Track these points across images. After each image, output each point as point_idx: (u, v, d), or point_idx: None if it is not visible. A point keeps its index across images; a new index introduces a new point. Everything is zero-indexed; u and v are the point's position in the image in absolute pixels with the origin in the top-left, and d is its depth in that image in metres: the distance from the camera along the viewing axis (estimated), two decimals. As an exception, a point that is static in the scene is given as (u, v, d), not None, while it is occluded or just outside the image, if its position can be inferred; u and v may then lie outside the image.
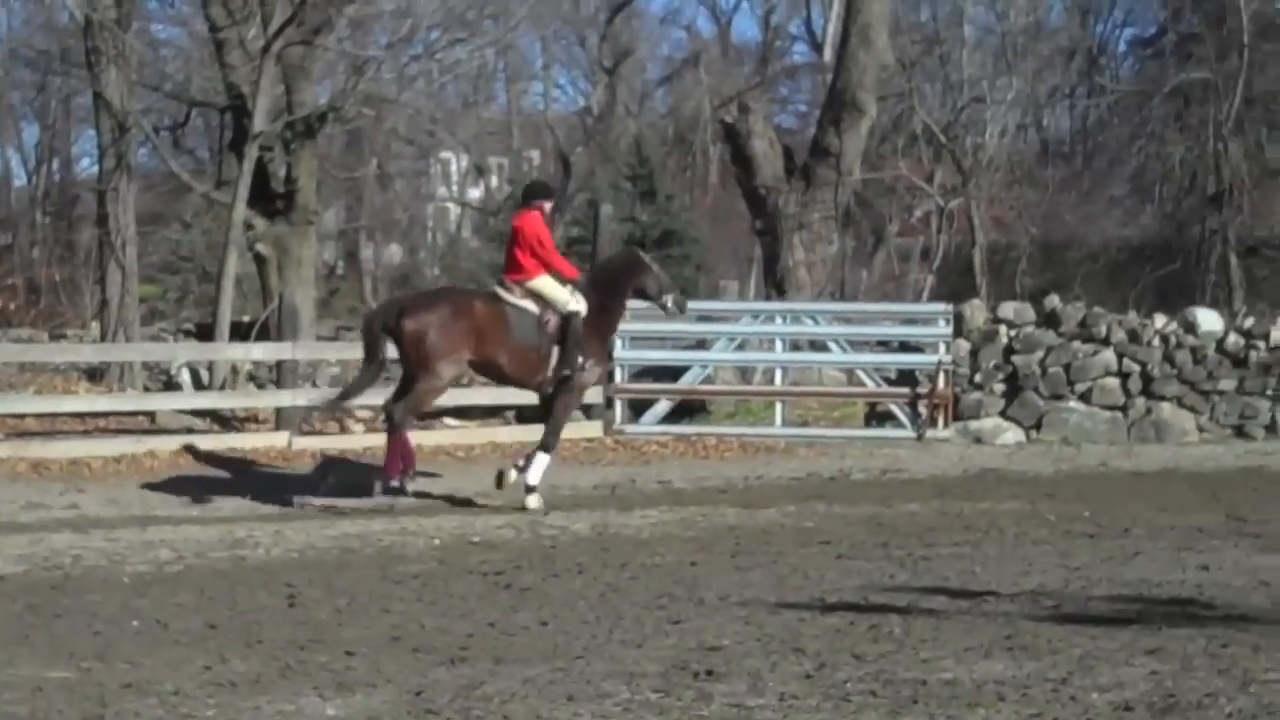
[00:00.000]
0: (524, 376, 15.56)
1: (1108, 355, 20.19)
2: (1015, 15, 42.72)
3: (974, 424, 20.25)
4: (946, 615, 9.76)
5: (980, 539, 13.15)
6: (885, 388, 20.90)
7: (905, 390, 20.59)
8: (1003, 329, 20.49)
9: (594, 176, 44.37)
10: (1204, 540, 12.91)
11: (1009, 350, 20.42)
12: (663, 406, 21.04)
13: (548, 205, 16.02)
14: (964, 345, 20.46)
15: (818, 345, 21.06)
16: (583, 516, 14.63)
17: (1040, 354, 20.31)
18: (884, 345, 21.68)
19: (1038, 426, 20.18)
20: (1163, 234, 41.76)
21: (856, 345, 21.13)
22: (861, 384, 21.23)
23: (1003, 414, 20.31)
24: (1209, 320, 20.46)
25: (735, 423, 21.34)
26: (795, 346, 21.12)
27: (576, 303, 15.39)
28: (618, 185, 43.53)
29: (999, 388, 20.35)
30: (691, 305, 18.83)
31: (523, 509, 14.96)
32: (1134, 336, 20.21)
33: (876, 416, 21.12)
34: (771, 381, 21.36)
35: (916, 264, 43.56)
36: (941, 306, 21.35)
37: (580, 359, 15.36)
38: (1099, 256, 41.07)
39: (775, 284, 26.59)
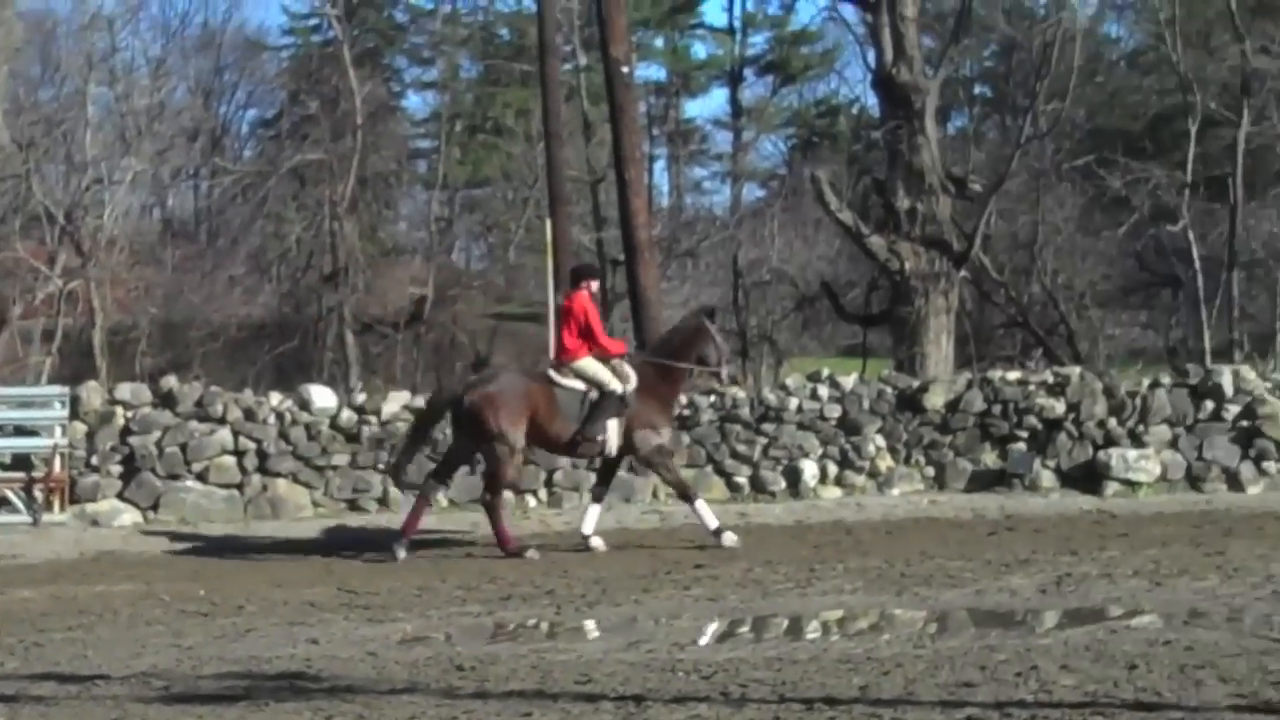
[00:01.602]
0: (569, 447, 17.01)
1: (224, 434, 20.30)
2: (138, 95, 42.50)
3: (91, 507, 19.91)
4: (55, 701, 9.62)
5: (94, 622, 13.00)
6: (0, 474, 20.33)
7: (21, 475, 20.09)
8: (120, 410, 20.28)
9: None
10: (315, 614, 13.21)
11: (126, 431, 20.22)
12: None
13: (594, 285, 17.46)
14: (80, 428, 20.14)
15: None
16: None
17: (157, 434, 20.20)
18: (-1, 430, 21.06)
19: (155, 507, 20.02)
20: (282, 312, 42.38)
21: (-30, 431, 20.47)
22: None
23: (120, 496, 20.05)
24: (323, 397, 20.89)
25: None
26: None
27: (617, 380, 16.54)
28: None
29: (116, 469, 20.10)
30: None
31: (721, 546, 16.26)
32: (250, 414, 20.42)
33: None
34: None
35: (39, 346, 42.50)
36: (57, 389, 20.97)
37: (602, 431, 16.54)
38: (220, 335, 41.20)
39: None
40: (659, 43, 55.13)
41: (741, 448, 20.55)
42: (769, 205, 45.60)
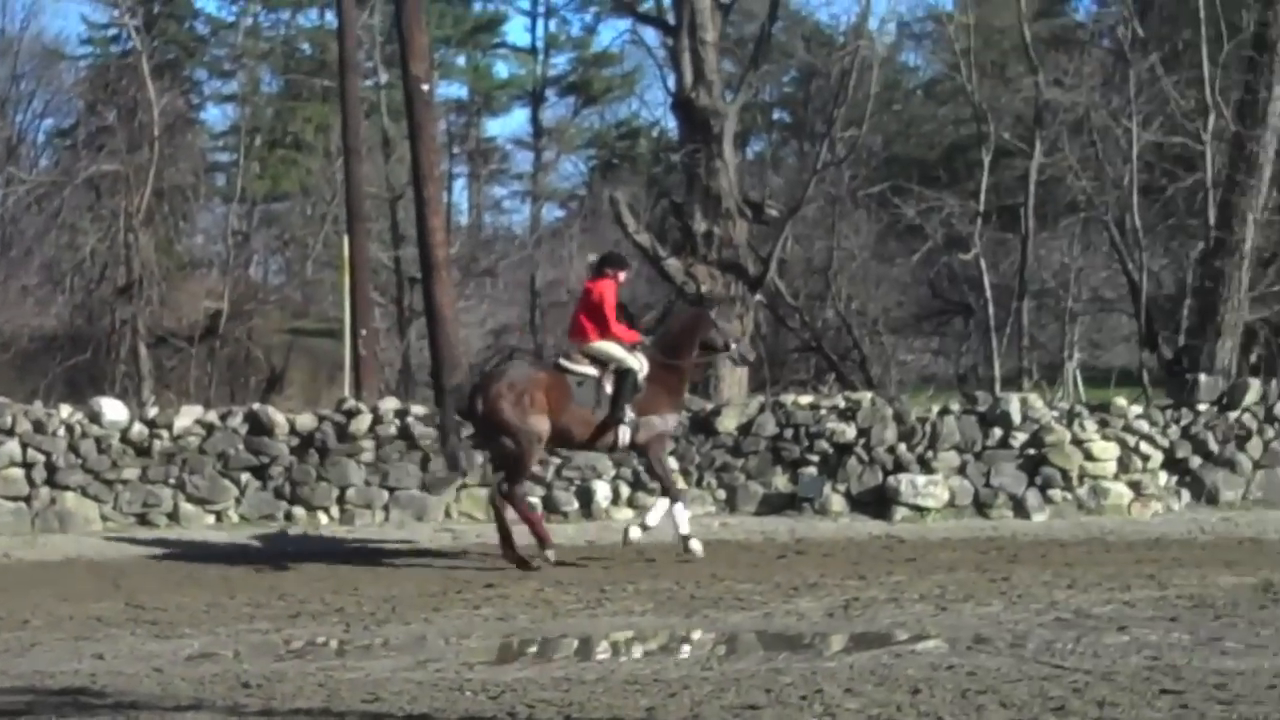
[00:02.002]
0: (591, 441, 16.92)
1: (12, 445, 19.95)
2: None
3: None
4: None
5: None
6: None
7: None
8: (-96, 420, 19.89)
9: None
10: (102, 629, 13.05)
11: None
12: None
13: (622, 275, 17.35)
14: None
15: None
16: None
17: (-45, 449, 19.85)
18: None
19: (-60, 523, 19.65)
20: (75, 323, 41.70)
21: None
22: None
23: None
24: (114, 410, 20.61)
25: None
26: None
27: (633, 360, 16.52)
28: None
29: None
30: None
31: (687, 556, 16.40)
32: (39, 426, 20.09)
33: None
34: None
35: None
36: None
37: (629, 411, 16.46)
38: (11, 346, 40.45)
39: None
40: (461, 61, 55.09)
41: (535, 468, 20.54)
42: (568, 226, 45.79)
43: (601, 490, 20.47)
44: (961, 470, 20.33)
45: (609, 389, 16.73)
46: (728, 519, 20.11)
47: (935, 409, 21.08)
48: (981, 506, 20.26)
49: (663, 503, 17.09)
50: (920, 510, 20.02)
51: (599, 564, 16.68)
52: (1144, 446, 20.67)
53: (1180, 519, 19.72)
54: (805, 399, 21.69)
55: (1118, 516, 19.80)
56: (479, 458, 18.12)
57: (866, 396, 21.63)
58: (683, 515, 16.92)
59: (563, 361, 17.09)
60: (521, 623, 13.22)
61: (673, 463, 18.63)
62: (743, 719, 9.08)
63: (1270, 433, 20.97)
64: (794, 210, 30.12)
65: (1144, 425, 20.88)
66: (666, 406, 17.13)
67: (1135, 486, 20.31)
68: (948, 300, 38.25)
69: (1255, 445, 20.96)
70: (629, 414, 16.70)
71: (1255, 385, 21.34)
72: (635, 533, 17.07)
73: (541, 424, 16.62)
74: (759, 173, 41.06)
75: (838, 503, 20.32)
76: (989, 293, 30.77)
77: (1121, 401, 21.69)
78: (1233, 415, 20.81)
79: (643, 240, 28.89)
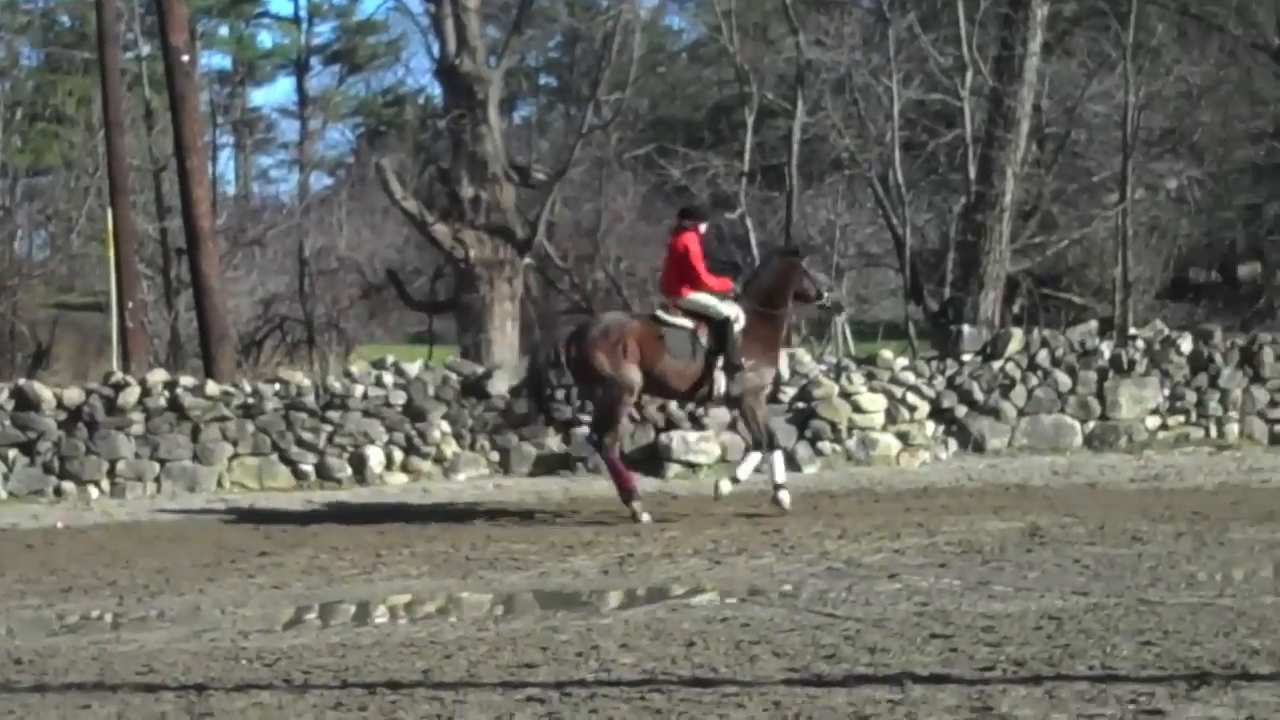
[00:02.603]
0: (686, 391, 16.84)
1: None
2: None
3: None
4: None
5: None
6: None
7: None
8: None
9: None
10: None
11: None
12: None
13: (703, 226, 17.03)
14: None
15: None
16: None
17: None
18: None
19: None
20: None
21: None
22: None
23: None
24: None
25: None
26: None
27: (729, 309, 16.35)
28: None
29: None
30: None
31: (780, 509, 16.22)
32: None
33: None
34: None
35: None
36: None
37: (743, 360, 16.25)
38: None
39: None
40: (224, 31, 54.34)
41: (307, 435, 20.42)
42: (336, 194, 45.40)
43: (375, 456, 20.40)
44: (732, 426, 20.51)
45: (704, 341, 16.59)
46: (502, 480, 20.15)
47: (704, 367, 21.22)
48: (752, 461, 20.47)
49: (755, 455, 16.87)
50: (693, 466, 20.21)
51: (373, 528, 16.58)
52: (911, 397, 21.05)
53: (947, 467, 20.13)
54: (576, 360, 21.74)
55: (886, 467, 20.15)
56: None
57: (637, 355, 21.72)
58: (779, 464, 16.66)
59: (659, 313, 16.96)
60: (297, 590, 13.12)
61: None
62: (519, 677, 9.09)
63: (1033, 380, 21.48)
64: (560, 173, 30.17)
65: (910, 377, 21.27)
66: (762, 358, 16.88)
67: (903, 437, 20.69)
68: (715, 259, 38.52)
69: (1019, 393, 21.46)
70: (737, 362, 16.51)
71: (1018, 335, 21.86)
72: (726, 486, 16.90)
73: (633, 374, 16.52)
74: (526, 137, 41.09)
75: (611, 462, 20.44)
76: (755, 251, 31.05)
77: (888, 354, 22.07)
78: (996, 365, 21.26)
79: (410, 207, 28.78)
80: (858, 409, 20.78)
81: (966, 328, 22.57)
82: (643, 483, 19.06)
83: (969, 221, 28.05)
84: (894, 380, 21.17)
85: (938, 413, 21.18)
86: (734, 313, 16.59)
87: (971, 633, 9.95)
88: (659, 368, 16.62)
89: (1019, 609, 10.78)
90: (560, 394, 20.10)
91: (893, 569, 12.88)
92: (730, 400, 17.16)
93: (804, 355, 21.63)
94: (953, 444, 21.09)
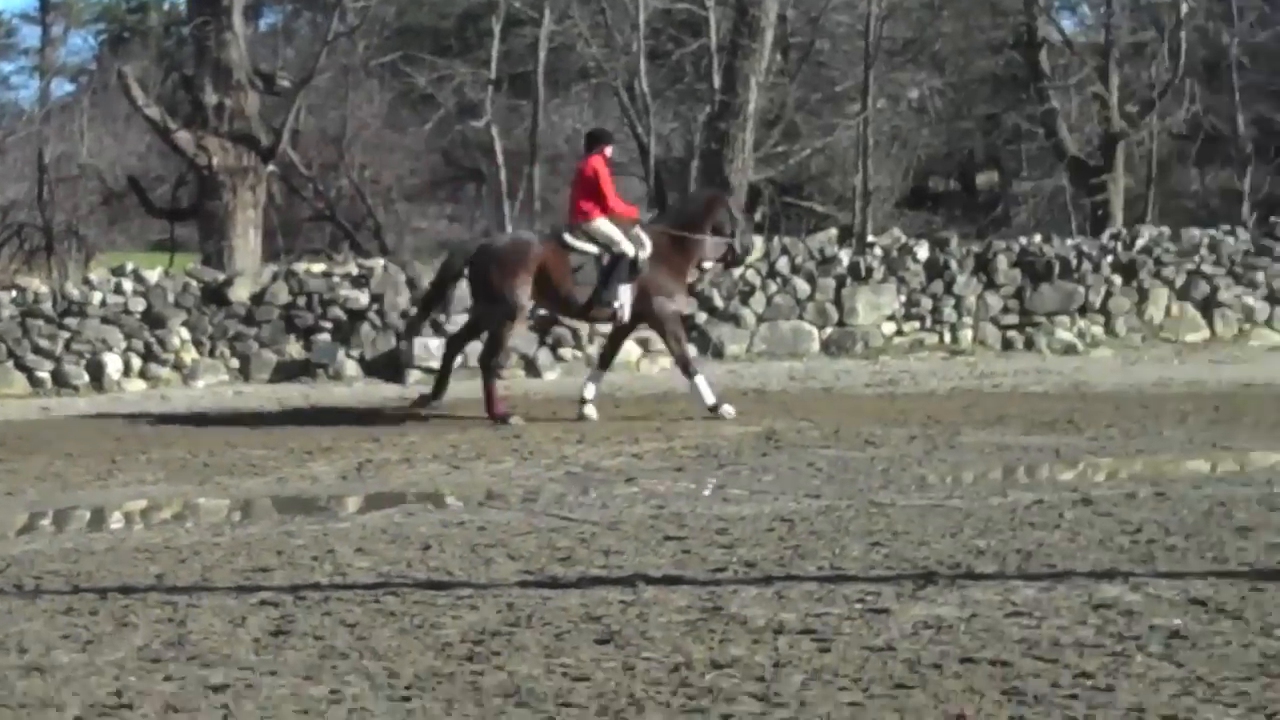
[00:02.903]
0: (584, 311, 16.91)
1: None
2: None
3: None
4: None
5: None
6: None
7: None
8: None
9: None
10: None
11: None
12: None
13: (609, 150, 16.96)
14: None
15: None
16: None
17: None
18: None
19: None
20: None
21: None
22: None
23: None
24: None
25: None
26: None
27: (632, 244, 16.36)
28: None
29: None
30: None
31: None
32: None
33: None
34: None
35: None
36: None
37: (622, 293, 16.36)
38: None
39: None
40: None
41: (44, 342, 20.08)
42: (78, 101, 44.33)
43: (113, 363, 20.15)
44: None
45: (607, 264, 16.58)
46: (242, 387, 20.03)
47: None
48: (495, 368, 20.54)
49: (699, 379, 16.86)
50: (433, 373, 20.19)
51: (110, 435, 16.37)
52: (653, 304, 21.20)
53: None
54: (319, 267, 21.69)
55: (627, 372, 20.31)
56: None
57: (380, 263, 21.69)
58: (704, 387, 16.72)
59: (566, 238, 16.75)
60: (31, 496, 12.94)
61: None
62: (253, 581, 9.07)
63: (773, 287, 21.79)
64: (305, 81, 29.75)
65: (651, 284, 21.42)
66: (675, 285, 16.95)
67: (644, 343, 20.86)
68: (460, 167, 38.44)
69: (759, 300, 21.78)
70: (621, 296, 16.52)
71: (758, 242, 22.10)
72: (728, 409, 16.61)
73: (523, 297, 16.54)
74: (272, 44, 40.37)
75: (351, 368, 20.43)
76: (501, 159, 30.99)
77: (630, 260, 22.19)
78: (737, 272, 21.50)
79: (153, 114, 28.22)
80: (598, 315, 20.92)
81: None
82: (382, 389, 19.10)
83: (713, 130, 28.22)
84: (636, 287, 21.31)
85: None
86: (633, 252, 16.64)
87: (705, 535, 10.12)
88: (563, 290, 16.72)
89: (753, 512, 10.98)
90: (302, 301, 20.05)
91: (630, 473, 13.05)
92: (646, 321, 17.21)
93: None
94: (692, 349, 21.31)
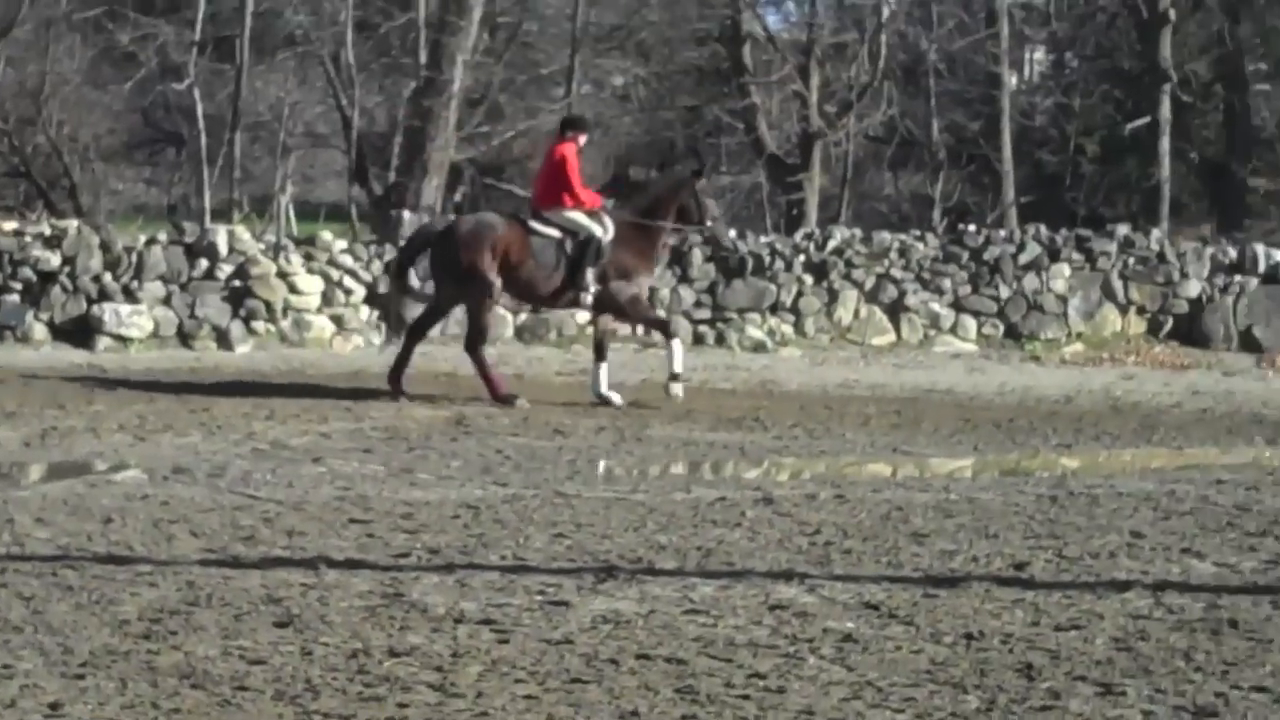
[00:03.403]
0: (549, 297, 16.81)
1: None
2: None
3: None
4: None
5: None
6: None
7: None
8: None
9: None
10: None
11: None
12: None
13: (582, 138, 17.05)
14: None
15: None
16: None
17: None
18: None
19: None
20: None
21: None
22: None
23: None
24: None
25: None
26: None
27: (598, 229, 16.25)
28: None
29: None
30: None
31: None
32: None
33: None
34: None
35: None
36: None
37: (591, 279, 16.27)
38: None
39: None
40: None
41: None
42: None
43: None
44: (167, 301, 20.32)
45: (570, 250, 16.41)
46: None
47: (143, 239, 20.94)
48: (186, 337, 20.37)
49: (675, 344, 17.09)
50: (124, 340, 19.94)
51: None
52: (348, 281, 21.20)
53: (380, 353, 20.28)
54: (10, 225, 21.25)
55: (320, 350, 20.25)
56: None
57: (73, 224, 21.29)
58: (678, 354, 16.99)
59: (531, 223, 16.53)
60: None
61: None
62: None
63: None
64: (5, 31, 29.05)
65: (348, 260, 21.41)
66: (637, 268, 16.74)
67: (338, 320, 20.84)
68: (161, 129, 37.78)
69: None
70: (591, 283, 16.39)
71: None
72: (677, 388, 16.83)
73: (493, 276, 16.29)
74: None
75: (40, 331, 20.04)
76: (202, 123, 30.54)
77: (327, 236, 22.14)
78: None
79: None
80: (294, 290, 20.83)
81: (407, 213, 22.79)
82: (70, 354, 18.77)
83: (417, 106, 28.19)
84: (332, 263, 21.26)
85: (373, 297, 21.35)
86: (600, 232, 16.54)
87: (390, 519, 10.15)
88: (524, 273, 16.59)
89: (438, 497, 11.03)
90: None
91: (318, 452, 13.01)
92: (609, 310, 17.11)
93: (243, 233, 21.47)
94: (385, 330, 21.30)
